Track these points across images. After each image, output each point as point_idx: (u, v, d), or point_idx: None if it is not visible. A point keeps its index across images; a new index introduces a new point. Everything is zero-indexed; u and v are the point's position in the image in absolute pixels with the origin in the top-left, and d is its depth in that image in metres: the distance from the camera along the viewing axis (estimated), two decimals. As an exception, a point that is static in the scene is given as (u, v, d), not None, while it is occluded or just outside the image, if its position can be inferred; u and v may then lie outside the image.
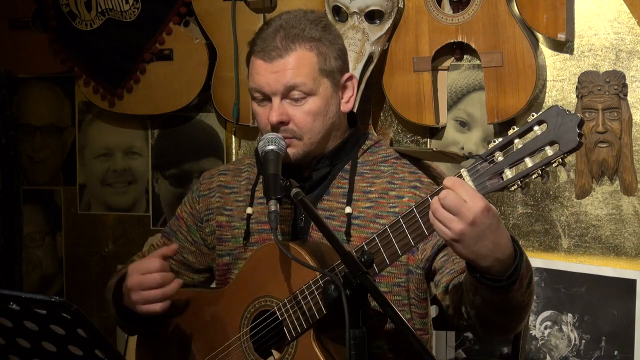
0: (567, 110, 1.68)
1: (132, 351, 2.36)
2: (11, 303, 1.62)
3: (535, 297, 2.97)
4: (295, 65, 2.07)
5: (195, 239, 2.32)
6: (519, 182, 1.72)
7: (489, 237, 1.73)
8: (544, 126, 1.70)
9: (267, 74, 2.08)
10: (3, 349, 1.73)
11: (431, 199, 1.77)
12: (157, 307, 2.08)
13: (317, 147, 2.12)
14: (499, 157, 1.73)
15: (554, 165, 1.69)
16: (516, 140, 1.72)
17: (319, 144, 2.12)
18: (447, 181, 1.74)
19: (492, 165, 1.73)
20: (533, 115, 1.71)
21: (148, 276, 2.07)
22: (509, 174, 1.72)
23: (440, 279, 2.04)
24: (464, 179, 1.75)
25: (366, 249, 1.87)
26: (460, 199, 1.71)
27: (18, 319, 1.66)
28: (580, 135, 1.67)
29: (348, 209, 2.10)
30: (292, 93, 2.08)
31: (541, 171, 1.70)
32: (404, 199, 2.08)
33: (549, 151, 1.69)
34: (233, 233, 2.23)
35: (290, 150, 2.09)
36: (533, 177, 1.71)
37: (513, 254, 1.79)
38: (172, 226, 2.36)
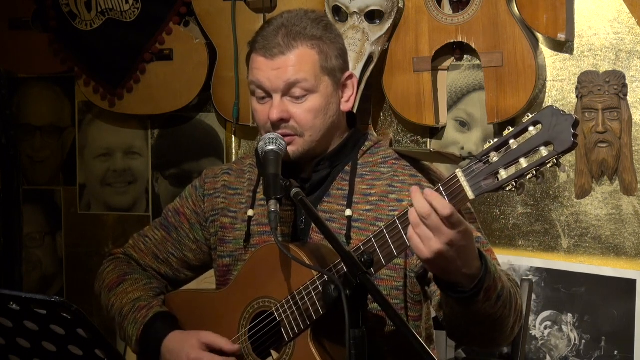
0: (562, 111, 1.68)
1: (132, 351, 2.36)
2: (11, 303, 1.62)
3: (535, 297, 2.99)
4: (296, 62, 2.07)
5: (197, 238, 2.31)
6: (514, 183, 1.72)
7: (461, 257, 1.76)
8: (539, 127, 1.70)
9: (268, 70, 2.08)
10: (3, 349, 1.73)
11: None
12: None
13: (317, 146, 2.12)
14: (494, 157, 1.73)
15: (548, 165, 1.69)
16: (511, 141, 1.72)
17: (319, 143, 2.12)
18: (428, 196, 1.74)
19: (487, 165, 1.73)
20: (528, 116, 1.71)
21: None
22: (504, 174, 1.72)
23: (435, 290, 2.04)
24: (459, 179, 1.75)
25: (363, 249, 1.87)
26: (440, 219, 1.72)
27: (18, 319, 1.65)
28: (574, 135, 1.67)
29: (348, 212, 2.09)
30: (293, 90, 2.07)
31: (536, 171, 1.70)
32: (403, 203, 2.07)
33: (544, 151, 1.69)
34: (234, 235, 2.22)
35: (290, 148, 2.08)
36: (528, 177, 1.71)
37: (479, 268, 1.80)
38: (171, 220, 2.34)
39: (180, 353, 2.08)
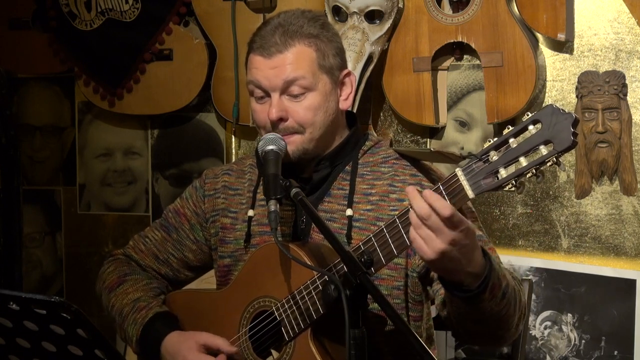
0: (562, 110, 1.68)
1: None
2: (11, 303, 1.62)
3: (535, 297, 2.99)
4: (294, 60, 2.07)
5: (197, 238, 2.31)
6: (514, 182, 1.72)
7: (464, 255, 1.76)
8: (538, 125, 1.70)
9: (266, 69, 2.08)
10: (3, 349, 1.73)
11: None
12: None
13: (316, 144, 2.11)
14: (494, 156, 1.73)
15: (548, 164, 1.69)
16: (511, 140, 1.72)
17: (318, 141, 2.11)
18: (427, 197, 1.73)
19: (486, 164, 1.73)
20: (528, 115, 1.71)
21: None
22: (503, 173, 1.72)
23: (439, 289, 2.04)
24: (459, 178, 1.75)
25: (363, 248, 1.87)
26: (440, 220, 1.71)
27: (18, 319, 1.66)
28: (574, 134, 1.67)
29: (349, 211, 2.09)
30: (291, 88, 2.07)
31: (535, 170, 1.70)
32: (404, 202, 2.07)
33: (544, 150, 1.69)
34: (235, 235, 2.22)
35: (290, 148, 2.08)
36: (528, 176, 1.71)
37: (484, 265, 1.81)
38: (171, 220, 2.34)
39: (177, 355, 2.08)
